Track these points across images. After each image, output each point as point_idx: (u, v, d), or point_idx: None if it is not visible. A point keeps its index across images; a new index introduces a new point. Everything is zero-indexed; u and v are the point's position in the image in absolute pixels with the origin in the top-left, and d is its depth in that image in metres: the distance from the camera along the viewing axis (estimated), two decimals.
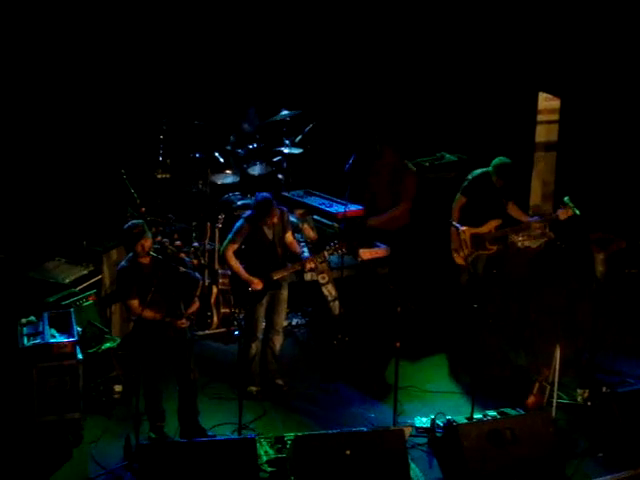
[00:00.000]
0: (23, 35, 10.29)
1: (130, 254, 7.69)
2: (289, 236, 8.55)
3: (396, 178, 10.23)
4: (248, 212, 8.53)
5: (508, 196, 9.24)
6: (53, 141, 10.58)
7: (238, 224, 8.48)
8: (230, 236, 8.49)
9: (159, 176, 10.68)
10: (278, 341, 8.64)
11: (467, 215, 9.21)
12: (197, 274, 8.08)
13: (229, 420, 7.93)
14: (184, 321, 7.62)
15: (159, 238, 9.54)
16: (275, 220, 8.36)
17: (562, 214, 8.96)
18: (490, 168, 9.21)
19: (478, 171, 9.33)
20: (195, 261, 9.60)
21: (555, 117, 11.54)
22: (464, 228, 9.13)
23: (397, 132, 10.83)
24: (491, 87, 11.42)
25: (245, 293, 8.39)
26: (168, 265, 7.64)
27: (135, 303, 7.56)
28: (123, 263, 7.70)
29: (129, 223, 7.75)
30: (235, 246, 8.43)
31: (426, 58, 11.70)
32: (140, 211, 9.55)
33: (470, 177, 9.34)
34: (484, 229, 9.16)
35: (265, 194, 8.42)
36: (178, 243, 9.76)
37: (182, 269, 7.66)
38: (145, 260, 7.62)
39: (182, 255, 8.29)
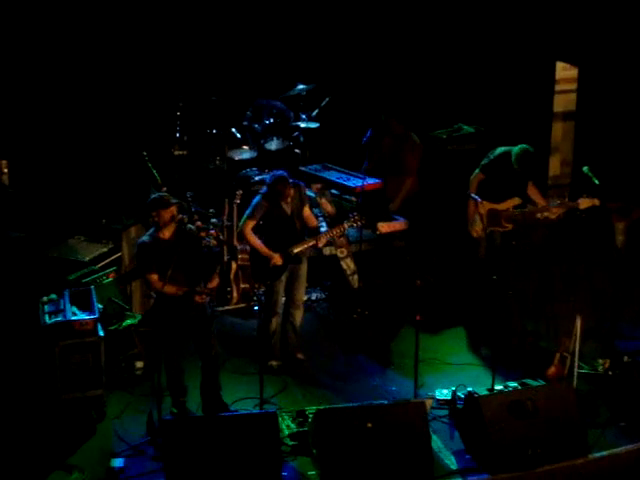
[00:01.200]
0: (41, 17, 10.30)
1: (151, 229, 7.71)
2: (306, 210, 8.54)
3: (398, 151, 10.16)
4: (265, 188, 8.52)
5: (528, 177, 9.13)
6: (72, 119, 10.60)
7: (255, 200, 8.47)
8: (248, 212, 8.48)
9: (176, 153, 10.70)
10: (298, 316, 8.66)
11: (485, 190, 9.13)
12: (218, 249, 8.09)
13: (250, 395, 7.97)
14: (204, 297, 7.64)
15: (179, 216, 9.53)
16: (289, 199, 8.35)
17: (583, 203, 8.79)
18: (512, 152, 9.05)
19: (500, 150, 9.15)
20: (214, 242, 9.59)
21: (573, 86, 11.46)
22: (483, 202, 9.05)
23: (401, 103, 10.76)
24: (508, 57, 11.34)
25: (265, 269, 8.40)
26: (190, 240, 7.66)
27: (155, 277, 7.58)
28: (144, 238, 7.73)
29: (154, 195, 7.79)
30: (253, 222, 8.43)
31: (443, 28, 11.62)
32: (161, 191, 9.56)
33: (491, 156, 9.19)
34: (502, 206, 9.07)
35: (280, 172, 8.38)
36: (199, 224, 9.73)
37: (205, 242, 7.69)
38: (166, 235, 7.64)
39: (202, 234, 8.32)
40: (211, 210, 10.08)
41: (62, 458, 7.27)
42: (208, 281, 7.77)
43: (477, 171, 9.23)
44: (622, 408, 7.75)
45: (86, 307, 8.03)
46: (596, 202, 8.75)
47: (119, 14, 10.65)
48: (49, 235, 9.36)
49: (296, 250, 8.39)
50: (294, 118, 11.08)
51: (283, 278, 8.48)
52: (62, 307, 7.99)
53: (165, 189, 9.43)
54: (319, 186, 10.26)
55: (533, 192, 9.18)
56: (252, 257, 8.63)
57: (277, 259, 8.35)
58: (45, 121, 10.46)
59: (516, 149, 8.98)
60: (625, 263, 9.45)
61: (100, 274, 8.79)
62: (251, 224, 8.43)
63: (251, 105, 11.12)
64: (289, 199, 8.35)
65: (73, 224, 9.65)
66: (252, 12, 11.29)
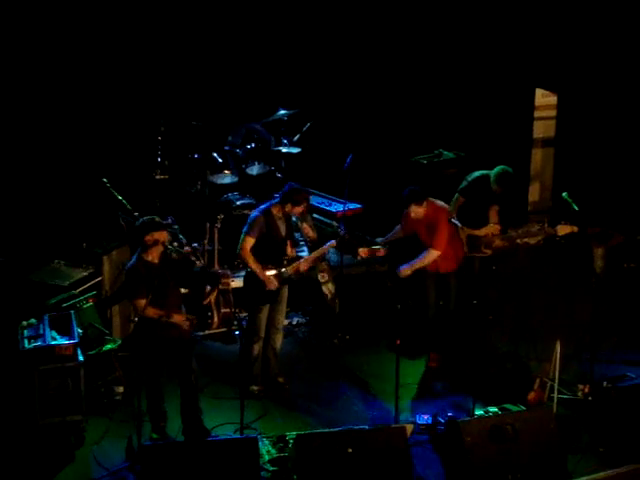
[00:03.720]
0: (18, 38, 10.29)
1: (136, 253, 7.68)
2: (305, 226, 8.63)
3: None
4: (261, 207, 8.43)
5: (506, 199, 9.18)
6: (52, 143, 10.59)
7: (253, 216, 8.33)
8: (246, 229, 8.29)
9: (158, 177, 10.69)
10: (279, 339, 8.64)
11: (464, 216, 9.17)
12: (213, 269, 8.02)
13: (231, 420, 7.94)
14: (186, 322, 7.61)
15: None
16: (303, 209, 8.35)
17: (561, 230, 8.85)
18: (491, 173, 9.14)
19: (478, 173, 9.26)
20: (198, 263, 9.56)
21: (552, 113, 11.56)
22: (463, 227, 9.08)
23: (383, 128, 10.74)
24: (488, 84, 11.44)
25: (262, 292, 8.36)
26: (176, 263, 7.65)
27: (142, 302, 7.52)
28: (132, 262, 7.67)
29: (146, 218, 7.72)
30: (252, 240, 8.23)
31: (423, 55, 11.71)
32: (133, 216, 9.49)
33: (469, 178, 9.29)
34: (481, 232, 9.11)
35: (295, 184, 8.40)
36: (176, 244, 9.64)
37: (198, 263, 7.67)
38: (154, 258, 7.62)
39: (188, 250, 8.31)
40: (175, 226, 9.94)
41: None
42: (202, 299, 7.74)
43: (457, 195, 9.29)
44: (601, 434, 7.76)
45: (66, 332, 7.99)
46: (575, 229, 8.80)
47: (102, 40, 10.67)
48: (29, 259, 9.32)
49: (290, 271, 8.37)
50: (275, 143, 11.11)
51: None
52: (41, 332, 7.95)
53: (137, 214, 9.31)
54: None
55: (493, 216, 9.20)
56: (248, 281, 8.48)
57: (272, 283, 8.29)
58: (25, 144, 10.44)
59: (495, 170, 9.08)
60: (604, 289, 9.51)
61: (80, 298, 8.75)
62: (250, 242, 8.24)
63: (232, 129, 11.14)
64: (299, 212, 8.36)
65: (53, 248, 9.62)
66: (234, 37, 11.35)
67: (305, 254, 9.33)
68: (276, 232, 8.35)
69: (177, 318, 7.59)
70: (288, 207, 8.27)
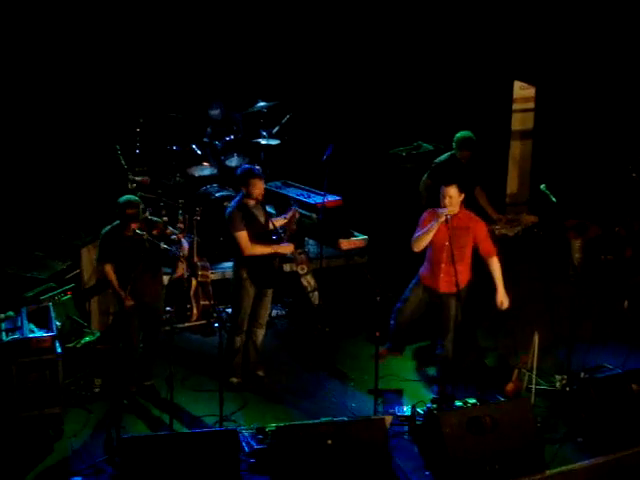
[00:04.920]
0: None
1: (116, 222, 7.90)
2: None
3: None
4: (233, 203, 8.43)
5: (475, 180, 9.27)
6: (29, 135, 10.52)
7: (229, 212, 8.32)
8: (232, 228, 8.23)
9: (137, 169, 10.64)
10: (261, 334, 8.64)
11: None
12: (176, 252, 8.10)
13: (210, 412, 7.95)
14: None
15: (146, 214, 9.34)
16: (260, 191, 8.28)
17: (525, 219, 9.04)
18: (453, 143, 9.29)
19: (444, 155, 9.42)
20: (180, 235, 9.48)
21: (530, 105, 11.61)
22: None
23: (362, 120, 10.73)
24: (467, 76, 11.47)
25: (271, 273, 8.40)
26: (149, 242, 7.78)
27: (108, 267, 7.89)
28: (107, 228, 7.95)
29: (126, 198, 7.86)
30: (245, 232, 8.18)
31: (402, 47, 11.72)
32: (142, 182, 9.72)
33: (437, 161, 9.42)
34: None
35: (246, 165, 8.45)
36: (166, 219, 9.51)
37: (163, 246, 7.78)
38: (128, 232, 7.83)
39: (168, 232, 8.32)
40: (180, 201, 9.89)
41: (18, 477, 7.19)
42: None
43: (425, 177, 9.36)
44: (579, 424, 7.82)
45: (44, 324, 7.97)
46: (535, 219, 8.99)
47: (81, 32, 10.61)
48: (6, 252, 9.27)
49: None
50: (254, 135, 11.09)
51: (251, 295, 8.44)
52: (19, 324, 7.92)
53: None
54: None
55: (481, 197, 9.28)
56: (255, 265, 8.37)
57: (288, 248, 8.40)
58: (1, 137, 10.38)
59: (456, 137, 9.28)
60: (581, 280, 9.57)
61: (58, 291, 8.73)
62: (245, 235, 8.20)
63: (210, 106, 11.07)
64: (258, 195, 8.29)
65: (31, 240, 9.57)
66: (213, 29, 11.31)
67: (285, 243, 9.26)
68: (256, 221, 8.35)
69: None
70: (247, 192, 8.27)
